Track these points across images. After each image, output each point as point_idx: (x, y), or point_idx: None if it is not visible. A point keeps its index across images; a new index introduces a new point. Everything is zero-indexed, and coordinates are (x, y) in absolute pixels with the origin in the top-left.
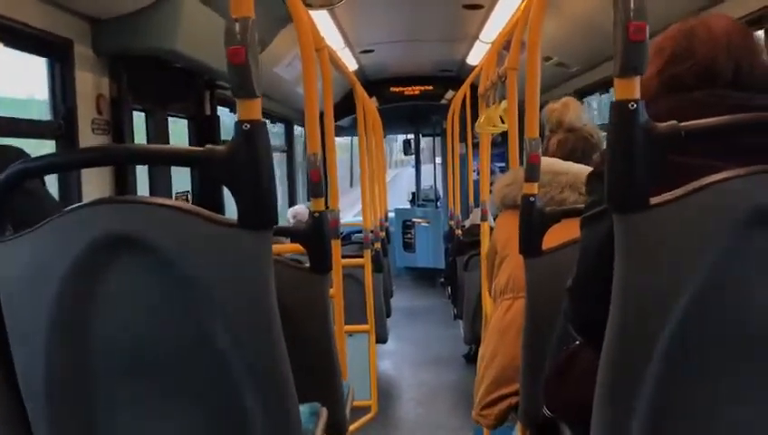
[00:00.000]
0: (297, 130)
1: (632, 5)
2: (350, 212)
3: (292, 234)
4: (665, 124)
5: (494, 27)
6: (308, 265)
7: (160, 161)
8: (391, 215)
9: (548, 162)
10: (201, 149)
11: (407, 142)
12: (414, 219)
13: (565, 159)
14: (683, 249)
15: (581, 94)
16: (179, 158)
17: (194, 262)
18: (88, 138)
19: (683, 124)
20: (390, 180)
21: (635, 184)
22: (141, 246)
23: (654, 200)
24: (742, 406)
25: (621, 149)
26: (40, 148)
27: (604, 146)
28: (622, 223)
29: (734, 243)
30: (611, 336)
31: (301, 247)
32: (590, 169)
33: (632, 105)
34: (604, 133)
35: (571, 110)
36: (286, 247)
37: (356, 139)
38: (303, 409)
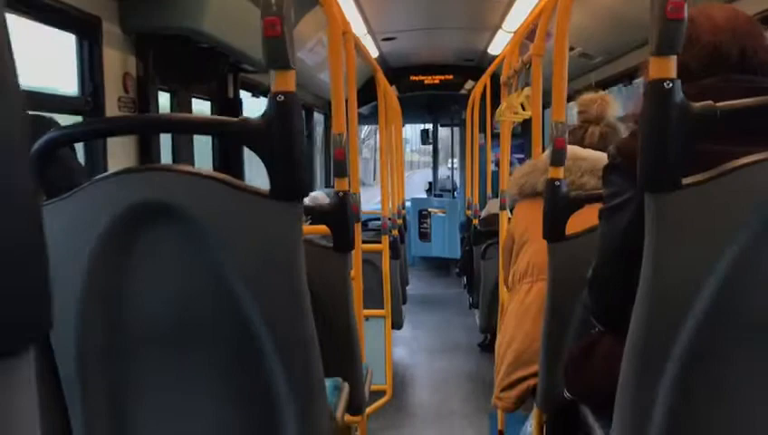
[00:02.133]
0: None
1: None
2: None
3: (316, 212)
4: (700, 104)
5: (517, 16)
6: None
7: (197, 131)
8: (408, 205)
9: (569, 149)
10: (236, 119)
11: (424, 132)
12: (430, 209)
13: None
14: (714, 229)
15: (603, 85)
16: (215, 127)
17: (226, 230)
18: (114, 115)
19: (719, 104)
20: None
21: (669, 163)
22: (175, 213)
23: (686, 180)
24: None
25: (656, 129)
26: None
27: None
28: (655, 202)
29: (762, 225)
30: (638, 318)
31: (323, 228)
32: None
33: (668, 84)
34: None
35: (611, 106)
36: (308, 229)
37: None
38: (327, 383)
